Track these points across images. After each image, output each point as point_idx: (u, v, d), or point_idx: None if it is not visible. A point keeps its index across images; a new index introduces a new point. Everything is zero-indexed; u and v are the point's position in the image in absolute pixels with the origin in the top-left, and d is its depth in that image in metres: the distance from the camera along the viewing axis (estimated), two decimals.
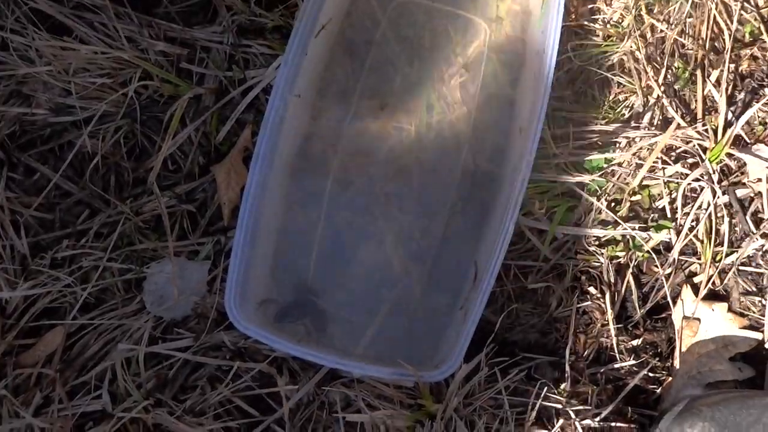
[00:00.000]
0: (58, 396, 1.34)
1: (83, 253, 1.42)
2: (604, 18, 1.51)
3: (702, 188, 1.44)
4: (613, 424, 1.34)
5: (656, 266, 1.44)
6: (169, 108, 1.46)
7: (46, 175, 1.46)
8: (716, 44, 1.49)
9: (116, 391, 1.36)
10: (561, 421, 1.32)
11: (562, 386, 1.37)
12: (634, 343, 1.42)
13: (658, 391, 1.40)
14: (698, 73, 1.47)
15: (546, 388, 1.34)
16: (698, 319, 1.41)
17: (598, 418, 1.33)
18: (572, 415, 1.33)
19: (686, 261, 1.44)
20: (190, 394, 1.36)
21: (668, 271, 1.43)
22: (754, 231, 1.43)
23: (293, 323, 1.37)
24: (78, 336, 1.40)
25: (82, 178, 1.47)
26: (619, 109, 1.50)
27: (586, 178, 1.44)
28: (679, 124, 1.45)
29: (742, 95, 1.48)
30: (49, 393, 1.36)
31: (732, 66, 1.48)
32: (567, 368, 1.38)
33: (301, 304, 1.40)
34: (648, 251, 1.44)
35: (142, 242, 1.44)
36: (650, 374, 1.40)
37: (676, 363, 1.39)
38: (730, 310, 1.42)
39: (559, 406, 1.34)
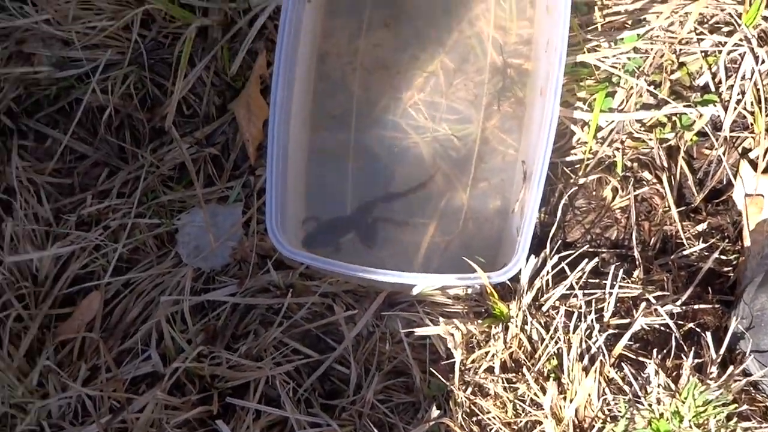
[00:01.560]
0: (104, 363, 1.26)
1: (109, 211, 1.35)
2: None
3: (743, 55, 1.37)
4: (695, 306, 1.27)
5: (707, 148, 1.38)
6: (176, 47, 1.39)
7: (58, 139, 1.39)
8: None
9: (164, 351, 1.28)
10: (642, 307, 1.23)
11: (636, 274, 1.29)
12: (699, 228, 1.35)
13: (732, 275, 1.32)
14: None
15: (619, 278, 1.25)
16: (761, 195, 1.34)
17: (678, 302, 1.25)
18: (653, 300, 1.25)
19: (738, 137, 1.38)
20: (243, 341, 1.27)
21: (722, 150, 1.36)
22: None
23: (329, 244, 1.30)
24: (116, 301, 1.33)
25: (96, 136, 1.39)
26: None
27: (622, 56, 1.37)
28: None
29: None
30: (95, 362, 1.27)
31: None
32: (637, 254, 1.30)
33: (340, 223, 1.32)
34: (699, 130, 1.37)
35: (167, 194, 1.37)
36: (722, 257, 1.33)
37: (747, 242, 1.32)
38: None
39: (637, 293, 1.26)
